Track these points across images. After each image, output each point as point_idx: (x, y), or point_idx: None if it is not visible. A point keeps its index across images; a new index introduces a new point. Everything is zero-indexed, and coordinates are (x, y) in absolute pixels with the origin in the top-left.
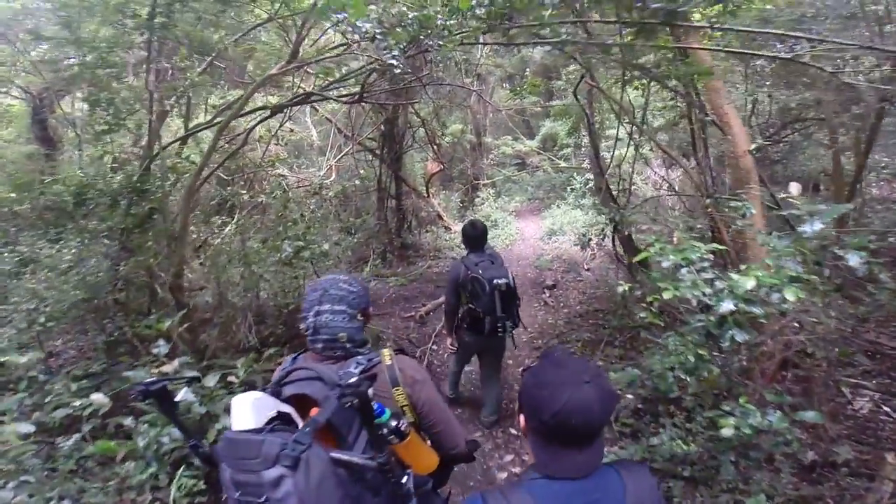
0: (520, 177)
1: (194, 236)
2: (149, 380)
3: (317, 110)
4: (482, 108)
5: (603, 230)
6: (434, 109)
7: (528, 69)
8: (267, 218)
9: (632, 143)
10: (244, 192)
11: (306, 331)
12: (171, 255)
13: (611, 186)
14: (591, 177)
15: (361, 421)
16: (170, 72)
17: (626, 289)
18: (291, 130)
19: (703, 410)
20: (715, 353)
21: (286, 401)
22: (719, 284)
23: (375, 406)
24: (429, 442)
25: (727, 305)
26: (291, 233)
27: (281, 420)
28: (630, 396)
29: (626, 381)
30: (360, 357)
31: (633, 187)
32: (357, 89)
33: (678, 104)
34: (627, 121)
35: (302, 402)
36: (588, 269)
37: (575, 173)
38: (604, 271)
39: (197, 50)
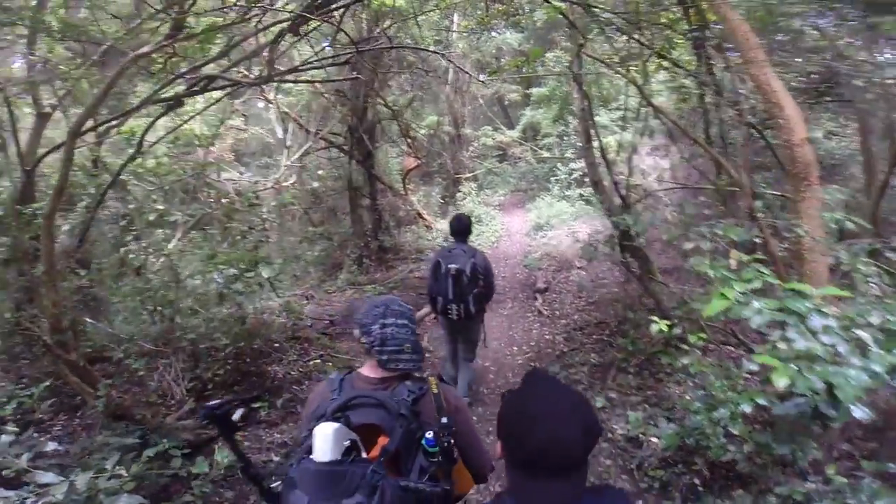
0: (501, 169)
1: (131, 256)
2: (214, 402)
3: (270, 102)
4: (459, 97)
5: (611, 237)
6: (407, 100)
7: (503, 57)
8: (211, 233)
9: (628, 128)
10: (159, 206)
11: (372, 343)
12: (39, 302)
13: (605, 181)
14: (577, 167)
15: (442, 452)
16: (38, 65)
17: (664, 328)
18: (245, 129)
19: (763, 472)
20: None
21: (354, 429)
22: (859, 361)
23: (432, 438)
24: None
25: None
26: (231, 255)
27: (352, 447)
28: (655, 440)
29: (663, 438)
30: (408, 383)
31: (628, 179)
32: (331, 67)
33: (684, 83)
34: (621, 104)
35: (365, 429)
36: (581, 268)
37: (559, 163)
38: (601, 272)
39: (70, 38)
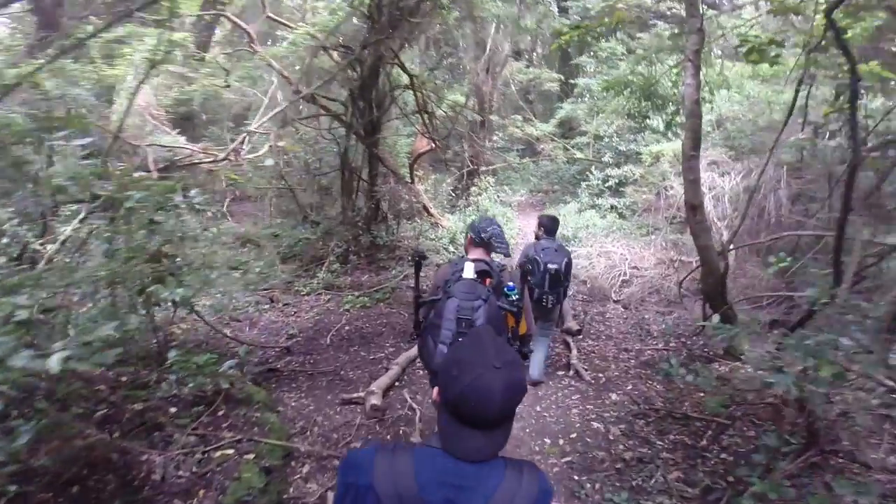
0: (523, 165)
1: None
2: (420, 250)
3: (255, 52)
4: (491, 78)
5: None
6: (431, 67)
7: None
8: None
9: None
10: None
11: (487, 237)
12: None
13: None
14: (613, 174)
15: (522, 285)
16: None
17: None
18: (217, 78)
19: None
20: None
21: (476, 272)
22: None
23: (512, 285)
24: None
25: None
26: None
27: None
28: None
29: None
30: (498, 261)
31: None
32: None
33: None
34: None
35: (481, 273)
36: (618, 302)
37: (592, 167)
38: (650, 315)
39: None
